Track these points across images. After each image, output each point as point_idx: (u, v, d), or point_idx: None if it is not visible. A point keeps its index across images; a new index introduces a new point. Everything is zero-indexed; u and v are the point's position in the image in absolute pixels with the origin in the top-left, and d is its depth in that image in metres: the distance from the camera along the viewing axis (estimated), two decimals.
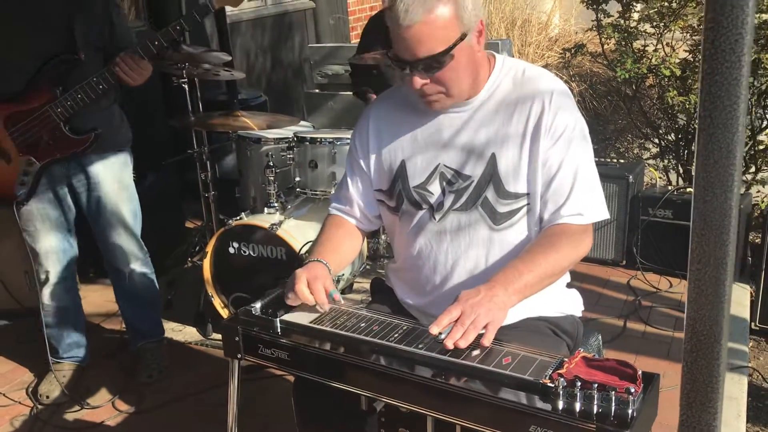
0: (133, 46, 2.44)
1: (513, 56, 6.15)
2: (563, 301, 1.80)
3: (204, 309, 3.16)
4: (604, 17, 4.26)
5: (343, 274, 3.02)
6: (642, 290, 3.39)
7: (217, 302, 3.09)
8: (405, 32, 1.49)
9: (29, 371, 2.99)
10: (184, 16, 2.39)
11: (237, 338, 1.59)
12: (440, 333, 1.43)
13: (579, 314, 1.85)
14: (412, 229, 1.73)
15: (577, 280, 3.54)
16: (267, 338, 1.56)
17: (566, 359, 1.34)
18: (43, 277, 2.70)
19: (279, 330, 1.57)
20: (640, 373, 1.29)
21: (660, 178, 4.29)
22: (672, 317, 3.14)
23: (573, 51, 4.42)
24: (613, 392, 1.23)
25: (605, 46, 4.35)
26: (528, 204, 1.64)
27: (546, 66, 6.36)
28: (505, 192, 1.63)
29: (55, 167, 2.54)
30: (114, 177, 2.65)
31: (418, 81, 1.55)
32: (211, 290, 3.08)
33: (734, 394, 2.60)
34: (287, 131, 3.32)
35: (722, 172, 0.70)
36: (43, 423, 2.65)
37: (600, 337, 1.99)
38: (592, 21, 4.38)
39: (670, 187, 3.74)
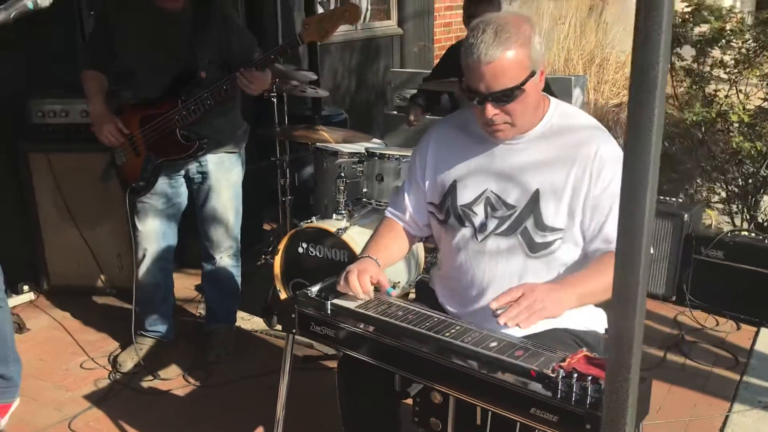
0: (252, 57, 2.79)
1: (586, 92, 6.28)
2: (589, 317, 1.97)
3: (271, 302, 3.47)
4: (678, 60, 4.38)
5: (399, 282, 3.26)
6: (687, 326, 3.48)
7: (284, 296, 3.38)
8: (483, 67, 1.69)
9: (115, 341, 3.36)
10: (280, 45, 2.75)
11: (293, 315, 1.86)
12: (498, 309, 1.63)
13: (602, 331, 2.02)
14: (455, 243, 1.94)
15: None
16: (318, 317, 1.82)
17: (570, 356, 1.54)
18: (141, 255, 3.08)
19: (329, 311, 1.83)
20: None
21: (725, 222, 4.34)
22: (713, 354, 3.22)
23: None
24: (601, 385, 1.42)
25: (677, 89, 4.45)
26: (562, 238, 1.82)
27: (620, 105, 6.47)
28: (543, 225, 1.82)
29: (176, 162, 2.92)
30: (224, 175, 3.01)
31: (490, 111, 1.74)
32: (279, 285, 3.37)
33: (764, 429, 2.68)
34: (360, 146, 3.60)
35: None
36: (121, 387, 2.99)
37: None
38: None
39: (725, 229, 3.82)
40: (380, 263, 1.93)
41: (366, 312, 1.80)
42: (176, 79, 2.81)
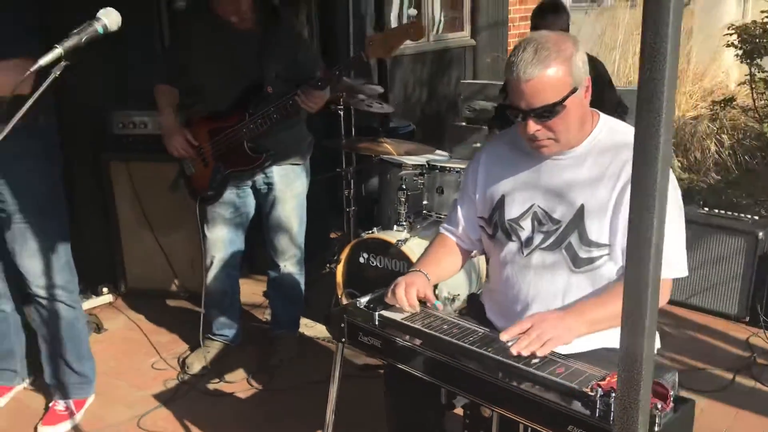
0: (315, 75, 2.88)
1: None
2: None
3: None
4: (758, 72, 4.23)
5: (459, 294, 3.27)
6: (761, 348, 3.34)
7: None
8: (523, 85, 1.73)
9: (185, 344, 3.51)
10: (344, 63, 2.84)
11: (343, 325, 1.92)
12: (509, 341, 1.68)
13: (654, 352, 1.98)
14: (502, 257, 1.96)
15: (692, 329, 3.56)
16: (366, 328, 1.87)
17: (610, 374, 1.53)
18: (209, 262, 3.22)
19: (377, 322, 1.87)
20: (671, 394, 1.46)
21: None
22: None
23: (722, 104, 4.40)
24: None
25: (757, 102, 4.30)
26: (608, 254, 1.82)
27: (697, 117, 6.26)
28: (587, 240, 1.82)
29: (243, 173, 3.04)
30: (288, 185, 3.11)
31: (532, 127, 1.77)
32: (341, 294, 3.45)
33: None
34: (423, 158, 3.64)
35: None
36: (188, 388, 3.12)
37: (677, 375, 2.09)
38: (746, 75, 4.35)
39: None
40: (430, 277, 1.97)
41: (412, 324, 1.84)
42: (243, 93, 2.93)
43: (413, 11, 6.19)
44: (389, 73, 5.34)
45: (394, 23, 5.98)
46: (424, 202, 3.40)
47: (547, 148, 1.83)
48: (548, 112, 1.74)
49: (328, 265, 4.08)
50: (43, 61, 1.56)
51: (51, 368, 2.85)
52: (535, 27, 3.71)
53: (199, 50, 2.97)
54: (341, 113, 3.79)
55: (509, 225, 1.93)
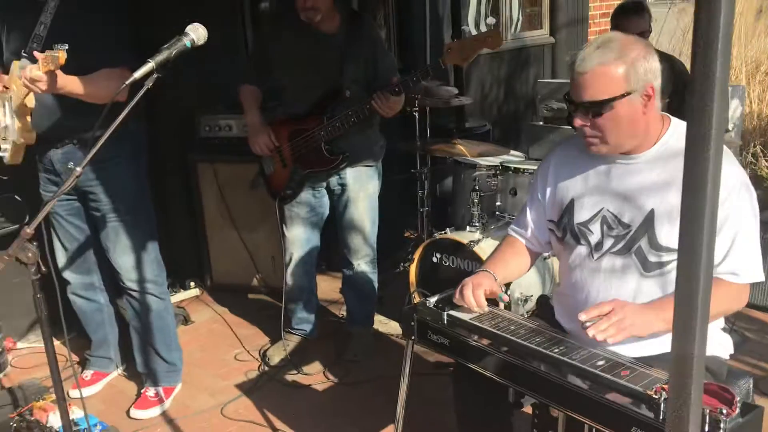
0: (391, 79, 2.96)
1: (746, 103, 5.87)
2: (712, 342, 1.93)
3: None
4: None
5: (531, 296, 3.29)
6: None
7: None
8: (578, 77, 1.77)
9: (266, 337, 3.67)
10: (420, 71, 2.86)
11: (413, 323, 1.99)
12: (587, 321, 1.70)
13: (726, 357, 1.97)
14: (571, 260, 1.99)
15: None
16: (435, 326, 1.94)
17: None
18: (287, 259, 3.36)
19: (445, 321, 1.94)
20: (738, 399, 1.46)
21: None
22: None
23: None
24: (708, 410, 1.42)
25: None
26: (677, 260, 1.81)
27: None
28: (657, 245, 1.82)
29: (319, 174, 3.16)
30: (361, 186, 3.21)
31: (578, 121, 1.81)
32: (414, 292, 3.53)
33: None
34: (497, 159, 3.67)
35: None
36: (268, 379, 3.27)
37: (751, 381, 2.07)
38: None
39: None
40: (497, 278, 2.02)
41: (480, 324, 1.89)
42: (323, 97, 3.05)
43: (492, 20, 6.19)
44: (465, 73, 5.36)
45: (471, 27, 6.00)
46: (498, 204, 3.44)
47: (594, 146, 1.85)
48: (595, 109, 1.76)
49: (402, 264, 4.16)
50: (138, 74, 1.71)
51: (142, 357, 3.05)
52: (615, 28, 3.68)
53: (282, 53, 3.10)
54: (416, 115, 3.86)
55: (578, 229, 1.95)
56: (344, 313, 3.77)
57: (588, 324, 1.68)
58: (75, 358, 3.52)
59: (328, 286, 4.14)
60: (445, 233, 3.38)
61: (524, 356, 1.74)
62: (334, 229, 3.43)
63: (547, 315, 2.14)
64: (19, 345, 3.64)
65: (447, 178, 4.76)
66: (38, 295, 1.89)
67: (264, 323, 3.81)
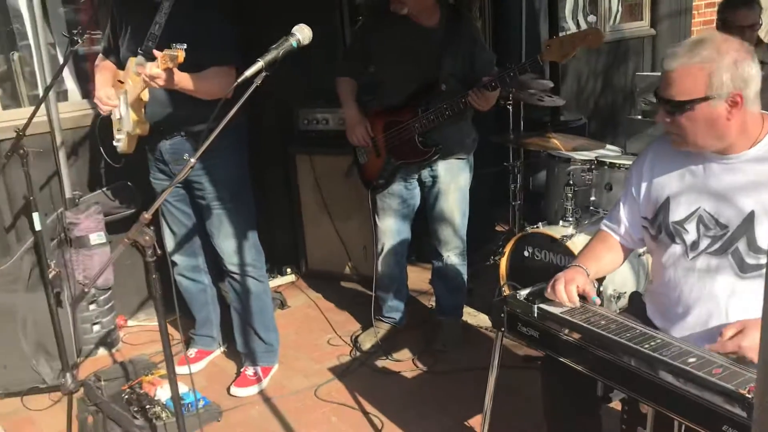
0: (490, 72, 3.00)
1: None
2: None
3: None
4: None
5: (625, 292, 3.25)
6: None
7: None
8: (665, 73, 1.78)
9: (357, 323, 3.79)
10: (518, 66, 2.89)
11: (502, 315, 2.04)
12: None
13: None
14: (665, 259, 1.97)
15: None
16: (525, 319, 1.98)
17: None
18: (379, 248, 3.46)
19: (535, 314, 1.97)
20: None
21: None
22: None
23: None
24: None
25: None
26: None
27: None
28: (756, 247, 1.79)
29: (411, 165, 3.24)
30: (452, 179, 3.26)
31: (660, 116, 1.82)
32: (504, 285, 3.55)
33: None
34: (593, 154, 3.63)
35: None
36: (359, 364, 3.38)
37: None
38: None
39: None
40: (589, 273, 2.02)
41: (571, 319, 1.91)
42: (419, 89, 3.11)
43: (593, 18, 6.08)
44: (561, 67, 5.30)
45: (569, 21, 5.92)
46: (592, 199, 3.41)
47: (676, 142, 1.86)
48: (674, 108, 1.77)
49: (492, 257, 4.19)
50: (248, 72, 1.82)
51: (242, 337, 3.22)
52: (723, 21, 3.56)
53: (381, 45, 3.18)
54: (510, 108, 3.87)
55: (674, 227, 1.94)
56: (433, 304, 3.84)
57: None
58: (180, 336, 3.76)
59: (417, 277, 4.21)
60: (538, 227, 3.39)
61: (615, 351, 1.75)
62: (424, 220, 3.50)
63: (639, 312, 2.13)
64: (130, 323, 3.91)
65: (540, 171, 4.73)
66: (153, 276, 2.04)
67: (355, 310, 3.93)
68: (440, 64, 3.08)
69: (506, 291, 3.54)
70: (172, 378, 2.18)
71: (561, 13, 5.55)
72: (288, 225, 4.35)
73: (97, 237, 3.44)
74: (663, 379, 1.63)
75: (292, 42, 1.89)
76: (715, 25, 3.75)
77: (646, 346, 1.74)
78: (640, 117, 5.38)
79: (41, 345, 3.35)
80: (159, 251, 2.03)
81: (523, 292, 2.06)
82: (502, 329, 2.06)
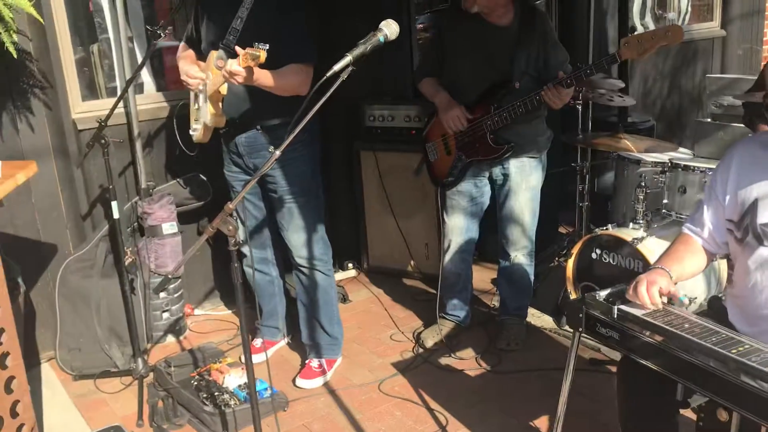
0: (564, 71, 2.98)
1: None
2: None
3: (562, 303, 3.62)
4: None
5: (696, 298, 3.18)
6: None
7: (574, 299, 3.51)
8: None
9: (419, 320, 3.80)
10: (595, 63, 2.85)
11: (581, 315, 2.02)
12: None
13: None
14: (752, 261, 1.93)
15: None
16: (605, 320, 1.96)
17: None
18: (446, 245, 3.46)
19: (615, 315, 1.95)
20: None
21: None
22: None
23: None
24: None
25: None
26: None
27: None
28: None
29: (482, 163, 3.23)
30: (523, 177, 3.25)
31: None
32: (570, 288, 3.51)
33: None
34: (665, 156, 3.56)
35: None
36: (422, 360, 3.39)
37: None
38: None
39: None
40: (672, 275, 1.99)
41: (652, 321, 1.88)
42: (492, 87, 3.10)
43: (673, 14, 5.96)
44: (630, 67, 5.20)
45: (636, 20, 5.81)
46: (665, 201, 3.33)
47: None
48: None
49: (557, 258, 4.14)
50: (337, 67, 1.85)
51: (308, 329, 3.27)
52: None
53: (456, 43, 3.18)
54: (579, 107, 3.82)
55: (762, 230, 1.89)
56: (495, 304, 3.83)
57: None
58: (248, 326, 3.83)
59: (479, 276, 4.20)
60: (607, 229, 3.34)
61: (699, 354, 1.72)
62: (488, 219, 3.48)
63: (720, 317, 2.08)
64: (197, 312, 4.00)
65: (606, 173, 4.66)
66: (235, 265, 2.09)
67: (417, 307, 3.94)
68: (513, 63, 3.07)
69: (573, 293, 3.50)
70: (249, 365, 2.23)
71: (630, 14, 5.45)
72: (351, 220, 4.39)
73: (170, 227, 3.53)
74: (753, 385, 1.59)
75: (380, 37, 1.92)
76: None
77: (734, 351, 1.70)
78: (709, 120, 5.26)
79: (113, 330, 3.45)
80: (241, 240, 2.08)
81: (603, 293, 2.04)
82: (580, 329, 2.04)
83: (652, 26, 6.08)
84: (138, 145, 3.52)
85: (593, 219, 3.94)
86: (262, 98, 2.80)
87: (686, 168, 3.25)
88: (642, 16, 5.95)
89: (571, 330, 2.10)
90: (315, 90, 2.02)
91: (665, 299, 1.96)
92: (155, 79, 3.90)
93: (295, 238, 3.09)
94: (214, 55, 2.74)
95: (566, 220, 4.71)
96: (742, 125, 4.50)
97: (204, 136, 2.95)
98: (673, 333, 1.81)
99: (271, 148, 1.98)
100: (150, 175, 3.62)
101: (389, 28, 1.94)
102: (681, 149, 3.79)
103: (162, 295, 3.60)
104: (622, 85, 3.95)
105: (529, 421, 2.87)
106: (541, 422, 2.86)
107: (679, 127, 6.04)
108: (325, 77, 1.86)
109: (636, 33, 2.77)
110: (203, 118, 2.86)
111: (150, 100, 3.74)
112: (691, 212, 2.25)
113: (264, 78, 2.66)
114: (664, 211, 3.34)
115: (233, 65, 2.52)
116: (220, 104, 2.84)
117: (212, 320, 3.94)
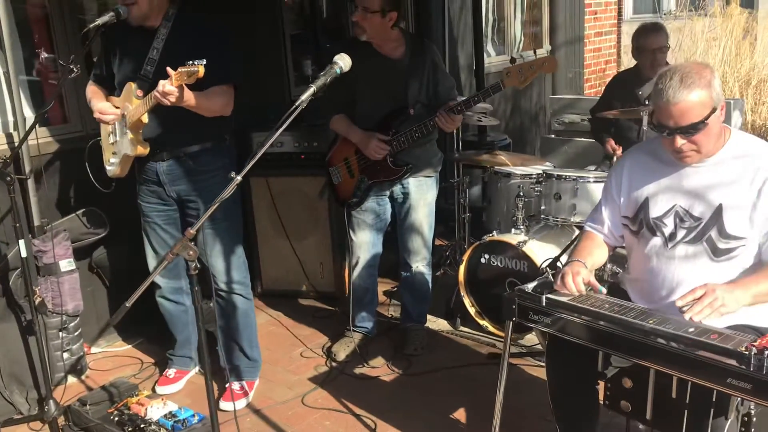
0: (452, 99, 3.30)
1: (744, 114, 6.35)
2: None
3: (455, 306, 3.96)
4: None
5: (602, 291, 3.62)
6: None
7: (467, 301, 3.86)
8: (671, 107, 2.08)
9: (324, 335, 3.96)
10: (482, 91, 3.21)
11: (514, 306, 2.32)
12: (683, 306, 2.01)
13: None
14: (647, 250, 2.33)
15: None
16: (536, 307, 2.27)
17: (760, 338, 1.89)
18: (354, 262, 3.66)
19: (544, 303, 2.27)
20: None
21: None
22: None
23: None
24: None
25: None
26: (744, 245, 2.16)
27: None
28: (726, 234, 2.17)
29: (384, 183, 3.47)
30: (421, 195, 3.53)
31: (679, 142, 2.12)
32: (463, 291, 3.85)
33: None
34: (532, 169, 4.02)
35: None
36: (338, 373, 3.55)
37: None
38: None
39: None
40: (588, 266, 2.35)
41: (579, 305, 2.22)
42: (389, 114, 3.37)
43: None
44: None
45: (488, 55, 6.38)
46: (542, 207, 3.76)
47: (689, 158, 2.19)
48: (693, 129, 2.10)
49: (441, 267, 4.50)
50: (304, 96, 2.01)
51: (227, 354, 3.31)
52: (637, 47, 4.07)
53: (358, 78, 3.40)
54: (458, 129, 4.21)
55: (654, 222, 2.30)
56: (393, 314, 4.08)
57: (685, 308, 2.00)
58: (150, 359, 3.78)
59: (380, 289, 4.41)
60: (492, 235, 3.72)
61: (623, 326, 2.07)
62: (386, 236, 3.74)
63: (623, 299, 2.47)
64: (93, 350, 3.88)
65: (473, 187, 5.11)
66: (196, 288, 2.16)
67: (319, 324, 4.10)
68: (407, 92, 3.36)
69: (465, 296, 3.84)
70: (211, 399, 2.26)
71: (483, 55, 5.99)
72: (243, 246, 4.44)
73: (67, 263, 3.42)
74: (671, 346, 1.96)
75: (336, 69, 2.11)
76: (631, 52, 4.26)
77: (651, 321, 2.07)
78: (554, 136, 5.95)
79: (13, 375, 3.28)
80: (198, 265, 2.14)
81: (530, 286, 2.35)
82: (513, 319, 2.33)
83: (493, 53, 6.72)
84: (30, 182, 3.39)
85: (470, 230, 4.32)
86: (184, 124, 2.84)
87: (559, 177, 3.71)
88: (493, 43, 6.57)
89: (504, 321, 2.40)
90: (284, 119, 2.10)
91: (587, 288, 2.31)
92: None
93: (217, 263, 3.13)
94: (132, 86, 2.77)
95: (439, 234, 5.07)
96: (583, 139, 5.20)
97: (122, 170, 2.94)
98: (598, 312, 2.16)
99: (233, 174, 2.08)
100: (43, 212, 3.49)
101: (343, 61, 2.14)
102: (547, 163, 4.28)
103: (62, 334, 3.47)
104: (490, 108, 4.40)
105: (448, 414, 3.14)
106: (460, 414, 3.14)
107: (523, 143, 6.70)
108: (294, 106, 2.01)
109: (516, 63, 3.15)
110: (124, 150, 2.86)
111: (38, 135, 3.59)
112: (589, 214, 2.62)
113: (192, 99, 2.70)
114: (542, 216, 3.77)
115: (165, 85, 2.54)
116: (141, 131, 2.85)
117: (111, 357, 3.84)
